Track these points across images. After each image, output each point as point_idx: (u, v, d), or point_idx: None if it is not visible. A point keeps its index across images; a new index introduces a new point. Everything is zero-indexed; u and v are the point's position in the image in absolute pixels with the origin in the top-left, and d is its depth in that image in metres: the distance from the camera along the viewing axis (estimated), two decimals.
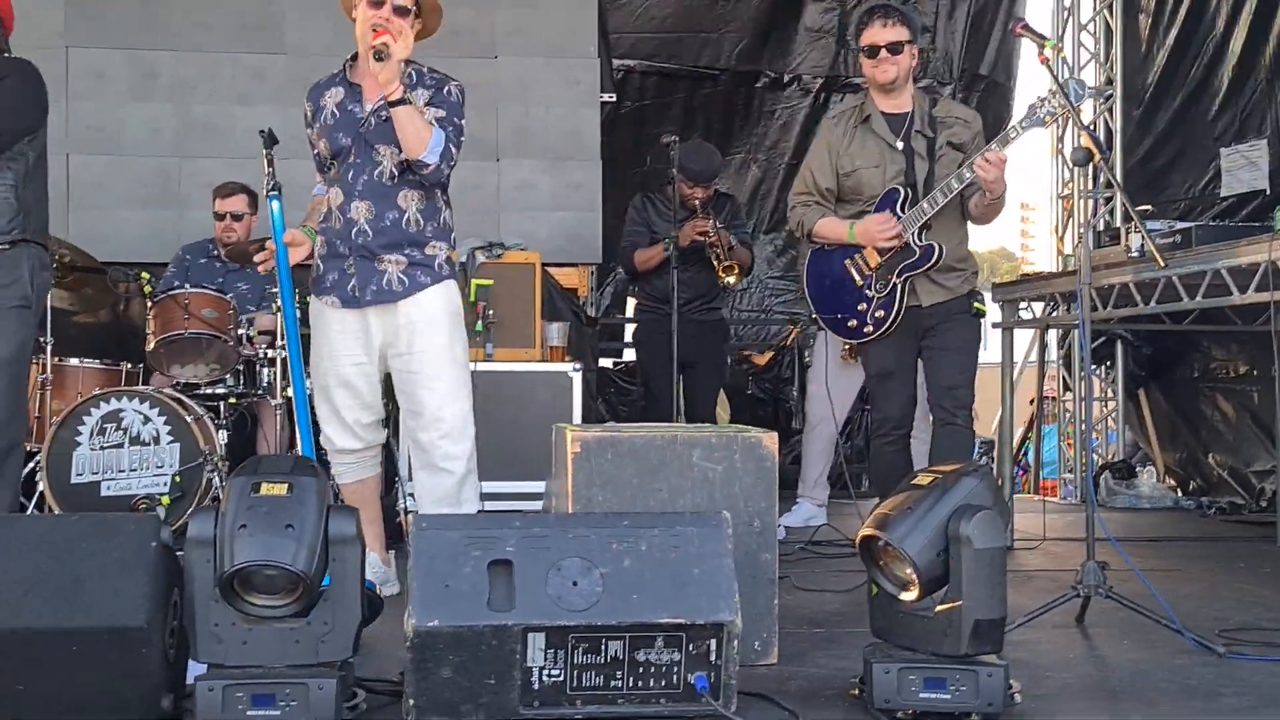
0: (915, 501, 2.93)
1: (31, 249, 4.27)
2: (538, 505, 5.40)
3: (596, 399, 7.42)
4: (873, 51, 4.64)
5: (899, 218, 4.55)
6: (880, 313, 4.61)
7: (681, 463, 3.36)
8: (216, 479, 5.42)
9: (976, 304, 4.90)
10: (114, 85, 7.28)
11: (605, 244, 7.56)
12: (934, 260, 4.54)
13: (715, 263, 6.27)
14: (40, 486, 5.39)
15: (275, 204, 4.21)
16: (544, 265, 6.48)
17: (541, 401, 5.77)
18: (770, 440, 3.41)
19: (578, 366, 6.01)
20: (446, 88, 4.20)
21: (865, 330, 4.66)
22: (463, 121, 4.20)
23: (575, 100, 7.53)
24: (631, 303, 7.03)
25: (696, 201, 6.26)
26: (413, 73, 4.18)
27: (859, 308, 4.66)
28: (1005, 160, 4.39)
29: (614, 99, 7.85)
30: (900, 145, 4.64)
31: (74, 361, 5.88)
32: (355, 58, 4.22)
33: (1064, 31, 8.47)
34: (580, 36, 7.54)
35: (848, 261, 4.69)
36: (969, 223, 4.78)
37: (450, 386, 4.20)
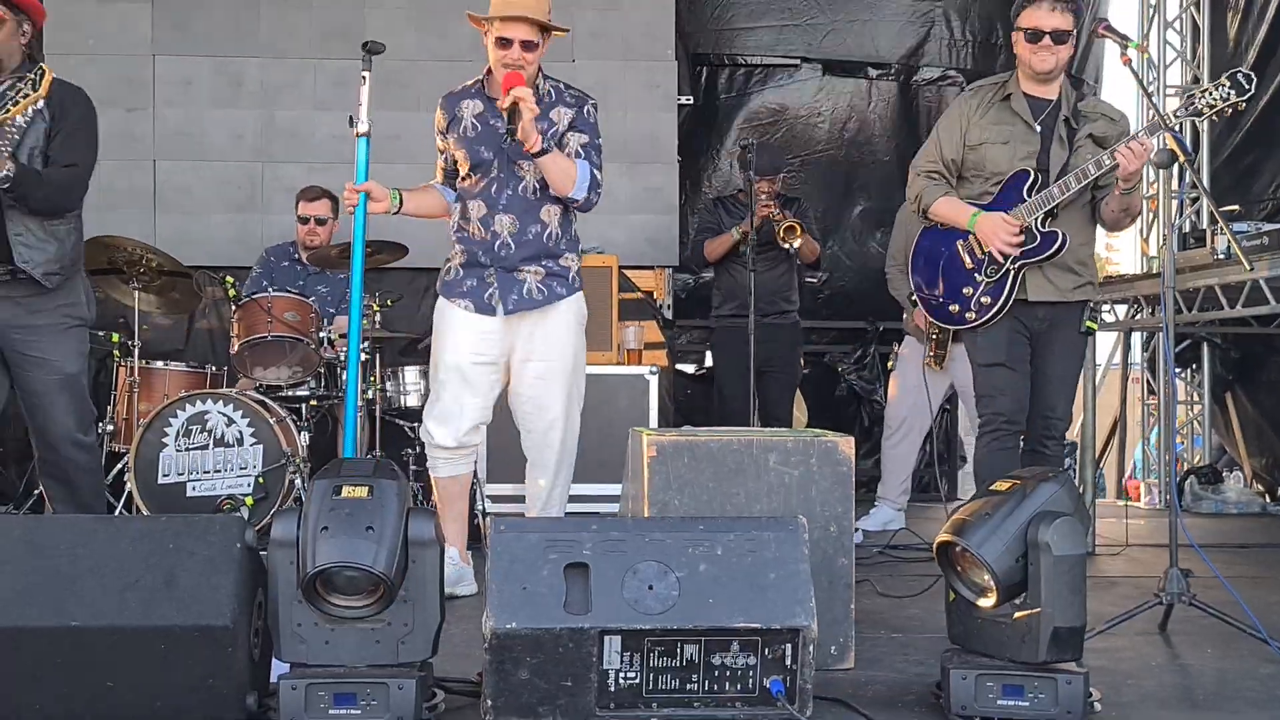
0: (993, 507, 2.91)
1: (82, 272, 4.49)
2: (615, 508, 5.41)
3: (673, 402, 7.44)
4: (1035, 36, 4.30)
5: (1025, 200, 4.27)
6: (986, 299, 4.34)
7: (758, 467, 3.36)
8: (298, 480, 5.50)
9: (1088, 321, 4.59)
10: (200, 92, 7.42)
11: (682, 246, 7.59)
12: (1055, 249, 4.25)
13: (776, 229, 6.36)
14: (129, 487, 5.50)
15: (362, 147, 4.33)
16: (621, 268, 6.51)
17: (619, 405, 5.78)
18: (847, 445, 3.40)
19: (654, 369, 6.03)
20: (585, 108, 4.38)
21: (967, 316, 4.39)
22: (600, 141, 4.39)
23: (653, 103, 7.56)
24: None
25: (763, 195, 6.36)
26: (551, 89, 4.37)
27: (964, 291, 4.39)
28: (1150, 150, 4.07)
29: (691, 101, 7.85)
30: (1039, 127, 4.35)
31: (160, 364, 6.01)
32: (492, 71, 4.35)
33: (1150, 29, 8.34)
34: (658, 40, 7.57)
35: (960, 243, 4.42)
36: (1099, 226, 4.51)
37: (573, 395, 4.43)
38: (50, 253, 4.24)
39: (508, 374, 4.46)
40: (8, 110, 4.02)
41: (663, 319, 7.51)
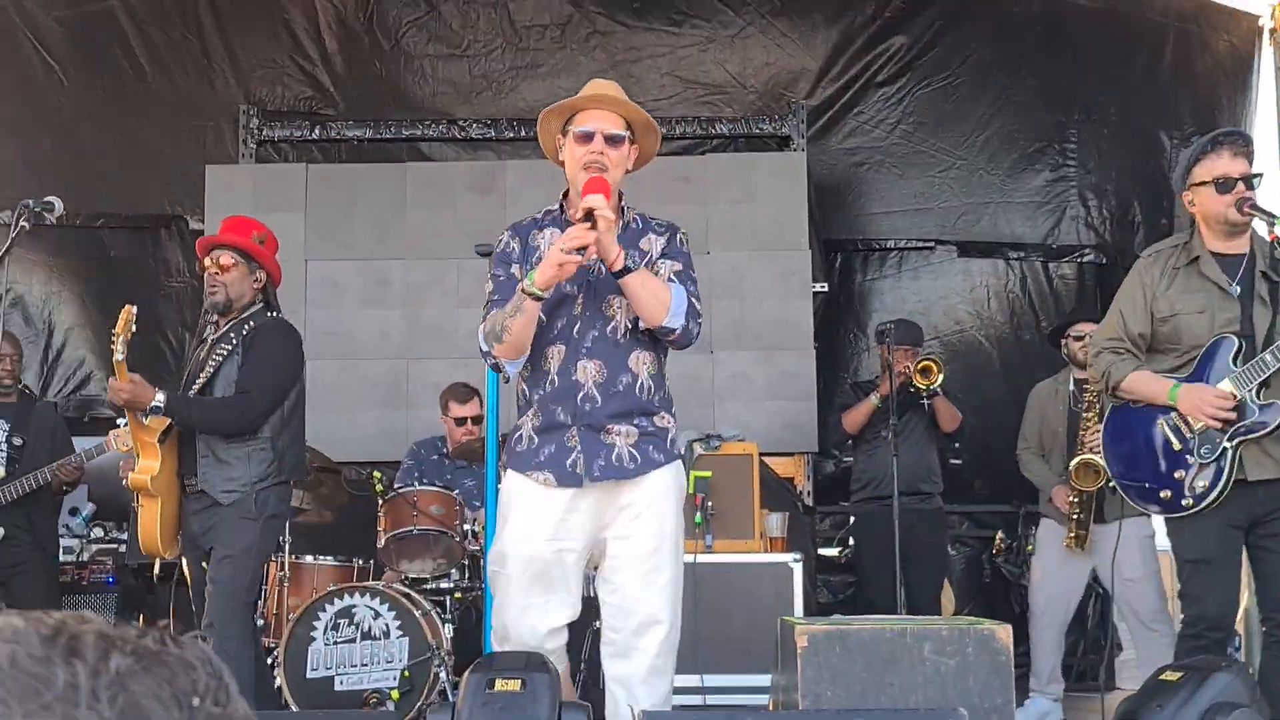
0: (1164, 699, 2.79)
1: (283, 489, 4.78)
2: (762, 699, 5.30)
3: (815, 590, 7.32)
4: (1226, 185, 3.99)
5: (1232, 370, 3.96)
6: (1203, 483, 3.93)
7: (913, 657, 3.28)
8: (443, 673, 5.49)
9: None
10: (348, 294, 7.70)
11: (821, 432, 7.55)
12: (1278, 424, 3.92)
13: (911, 375, 6.32)
14: (278, 681, 5.54)
15: (490, 376, 4.39)
16: (761, 455, 6.50)
17: (763, 594, 5.70)
18: (1004, 633, 3.30)
19: (798, 557, 5.94)
20: (677, 236, 3.78)
21: (1184, 503, 3.96)
22: (695, 275, 3.76)
23: (788, 291, 7.64)
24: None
25: (903, 367, 6.35)
26: (637, 218, 3.79)
27: (1175, 475, 3.98)
28: None
29: (825, 287, 7.91)
30: (1237, 290, 4.02)
31: (309, 558, 6.10)
32: (569, 194, 3.76)
33: None
34: (791, 228, 7.68)
35: (1162, 420, 4.05)
36: None
37: (671, 583, 3.64)
38: (231, 474, 4.56)
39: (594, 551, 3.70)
40: (205, 368, 4.58)
41: (803, 505, 7.44)
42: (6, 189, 7.83)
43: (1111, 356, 4.14)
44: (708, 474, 5.89)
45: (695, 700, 5.39)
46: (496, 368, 3.69)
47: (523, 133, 7.92)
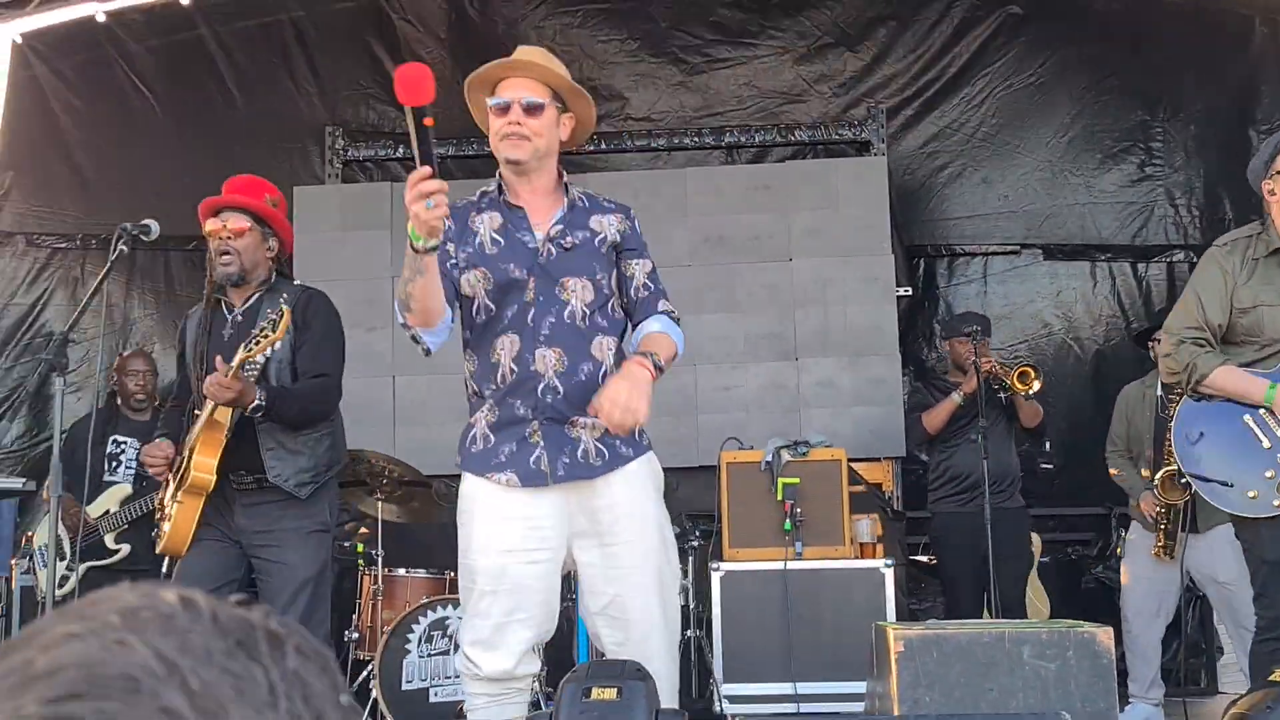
0: (1274, 700, 2.74)
1: (333, 483, 4.46)
2: (857, 706, 5.27)
3: (906, 595, 7.26)
4: None
5: None
6: None
7: (1011, 661, 3.25)
8: (536, 684, 5.51)
9: None
10: None
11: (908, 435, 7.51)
12: None
13: (1006, 381, 6.21)
14: (373, 694, 5.60)
15: None
16: (849, 461, 6.47)
17: (854, 600, 5.67)
18: (1106, 635, 3.26)
19: (889, 562, 5.91)
20: (634, 220, 3.52)
21: (1274, 504, 3.78)
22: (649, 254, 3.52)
23: (872, 297, 7.60)
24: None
25: (972, 360, 6.20)
26: (582, 197, 3.50)
27: (1266, 475, 3.80)
28: None
29: (909, 292, 7.87)
30: None
31: (402, 571, 6.16)
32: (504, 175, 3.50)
33: None
34: (875, 234, 7.64)
35: (1248, 417, 3.88)
36: None
37: (658, 585, 3.39)
38: (303, 464, 4.24)
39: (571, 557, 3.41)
40: (250, 349, 3.93)
41: (892, 510, 7.39)
42: (106, 214, 8.04)
43: (1194, 349, 3.94)
44: (796, 480, 5.87)
45: (789, 709, 5.38)
46: (415, 339, 3.36)
47: (601, 145, 7.97)
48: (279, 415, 4.13)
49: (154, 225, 4.14)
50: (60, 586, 6.30)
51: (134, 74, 8.13)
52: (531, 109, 3.30)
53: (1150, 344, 6.19)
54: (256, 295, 4.30)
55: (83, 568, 6.15)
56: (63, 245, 8.14)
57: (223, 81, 8.17)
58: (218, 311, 4.35)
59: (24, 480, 6.95)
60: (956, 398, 6.34)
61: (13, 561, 6.49)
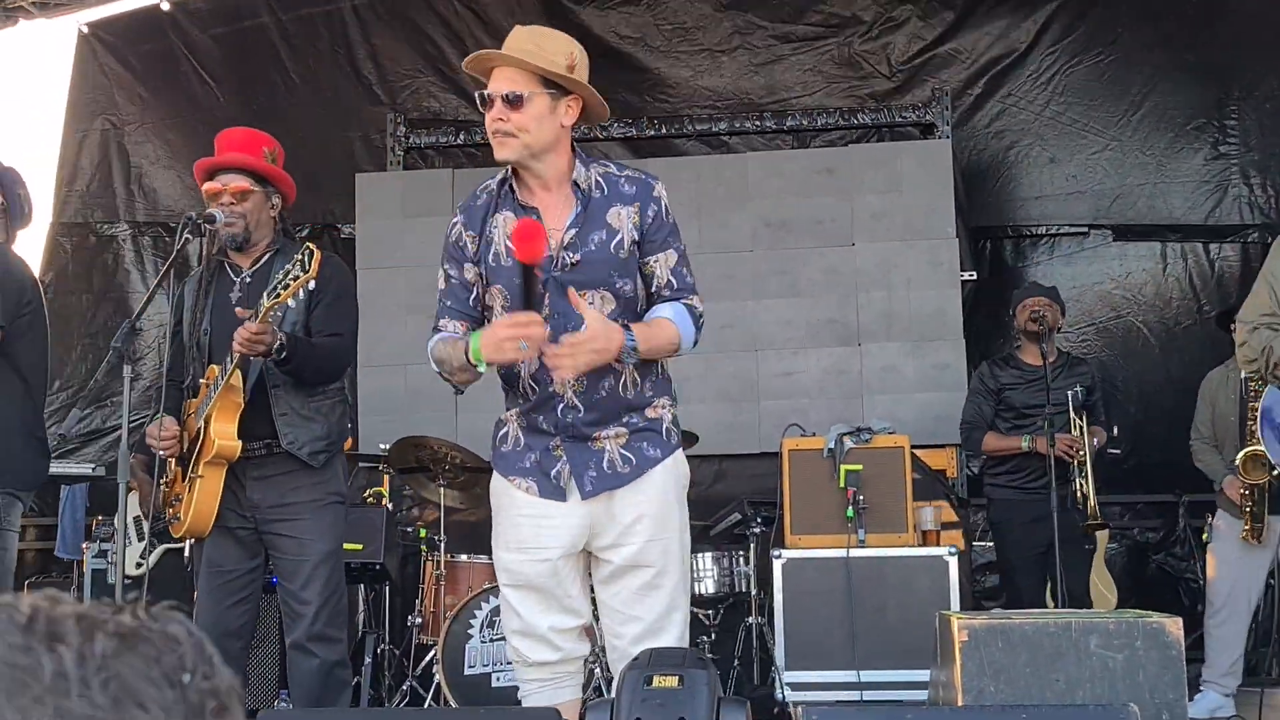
0: None
1: (342, 452, 4.27)
2: (920, 695, 5.21)
3: (971, 584, 7.18)
4: None
5: None
6: None
7: (1078, 650, 3.19)
8: (597, 670, 5.51)
9: None
10: None
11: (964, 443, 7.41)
12: None
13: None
14: (436, 678, 5.62)
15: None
16: (912, 447, 6.39)
17: (918, 588, 5.60)
18: (1175, 625, 3.20)
19: (953, 550, 5.83)
20: (659, 202, 3.26)
21: None
22: (684, 246, 3.32)
23: (937, 281, 7.51)
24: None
25: (1033, 325, 6.08)
26: (600, 181, 3.26)
27: None
28: None
29: (975, 276, 7.75)
30: None
31: (464, 557, 6.17)
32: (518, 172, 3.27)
33: None
34: (939, 217, 7.54)
35: None
36: None
37: (677, 588, 3.32)
38: (316, 431, 4.08)
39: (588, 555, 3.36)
40: (279, 294, 3.65)
41: (956, 498, 7.30)
42: (172, 202, 8.13)
43: (1269, 333, 3.87)
44: (858, 467, 5.81)
45: (853, 696, 5.33)
46: (454, 387, 3.34)
47: (663, 130, 7.94)
48: (297, 365, 3.94)
49: (219, 215, 4.04)
50: (136, 567, 6.40)
51: (197, 62, 8.20)
52: (513, 102, 3.09)
53: (1231, 326, 6.03)
54: (266, 256, 4.13)
55: (159, 550, 6.24)
56: (128, 235, 8.24)
57: (285, 69, 8.22)
58: (221, 276, 4.18)
59: (93, 466, 7.07)
60: (1024, 446, 6.12)
61: (84, 546, 6.58)
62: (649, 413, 3.28)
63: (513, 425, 3.33)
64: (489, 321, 3.25)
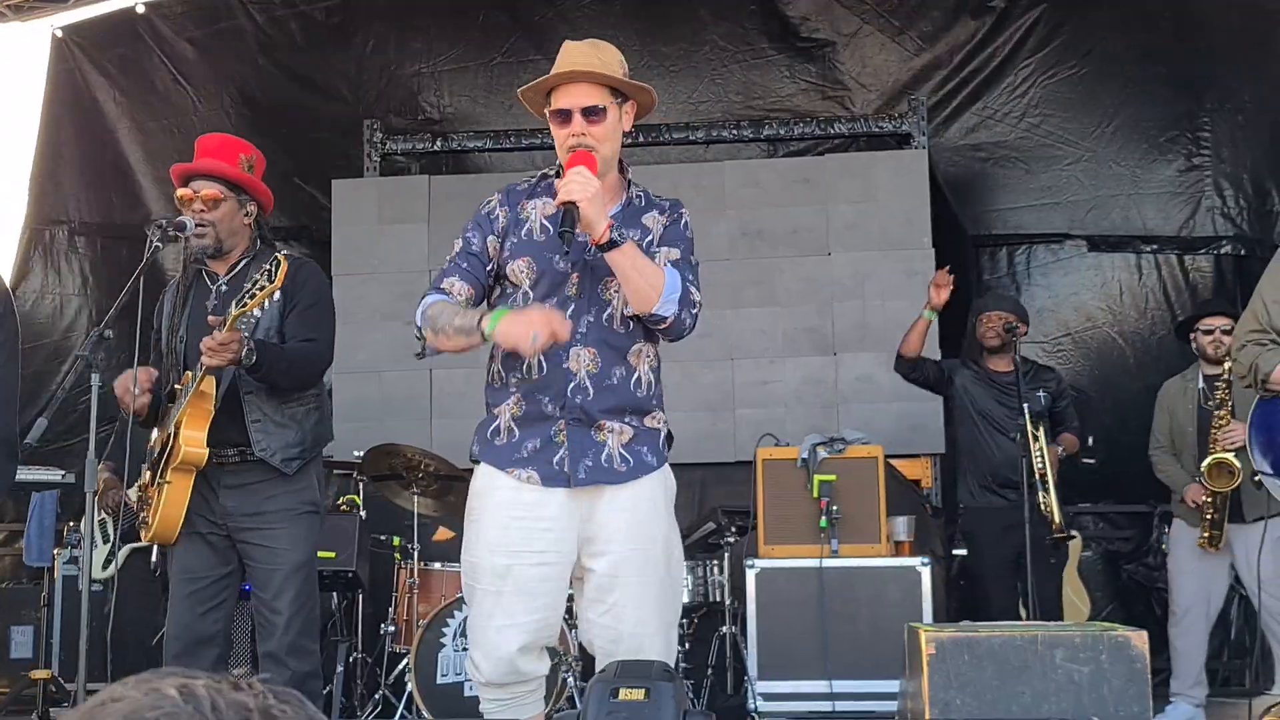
0: None
1: (320, 460, 4.26)
2: (891, 706, 5.23)
3: (947, 594, 7.19)
4: None
5: None
6: None
7: (1044, 664, 3.20)
8: (571, 680, 5.50)
9: None
10: None
11: (948, 433, 7.43)
12: None
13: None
14: (409, 687, 5.61)
15: None
16: (886, 457, 6.41)
17: (890, 599, 5.62)
18: (1140, 639, 3.21)
19: (926, 560, 5.85)
20: (682, 216, 3.38)
21: None
22: (696, 261, 3.37)
23: (911, 291, 7.51)
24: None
25: (991, 336, 6.20)
26: (641, 194, 3.39)
27: None
28: None
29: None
30: None
31: (437, 566, 6.16)
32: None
33: None
34: (915, 228, 7.56)
35: None
36: None
37: (664, 600, 3.29)
38: (290, 437, 4.06)
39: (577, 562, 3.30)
40: (245, 304, 3.69)
41: (930, 507, 7.31)
42: (145, 206, 8.10)
43: (1257, 349, 3.98)
44: (832, 478, 5.83)
45: (824, 706, 5.34)
46: (419, 339, 3.26)
47: (640, 138, 7.94)
48: (269, 372, 3.93)
49: (189, 222, 4.01)
50: (104, 569, 6.38)
51: (173, 65, 8.17)
52: (592, 115, 3.20)
53: (1191, 336, 6.07)
54: (243, 263, 4.12)
55: (125, 551, 6.20)
56: (102, 238, 8.20)
57: (262, 74, 8.20)
58: (199, 283, 4.18)
59: (64, 473, 7.02)
60: (927, 315, 6.20)
61: (55, 552, 6.55)
62: (649, 421, 3.30)
63: (505, 417, 3.28)
64: (501, 293, 3.31)
